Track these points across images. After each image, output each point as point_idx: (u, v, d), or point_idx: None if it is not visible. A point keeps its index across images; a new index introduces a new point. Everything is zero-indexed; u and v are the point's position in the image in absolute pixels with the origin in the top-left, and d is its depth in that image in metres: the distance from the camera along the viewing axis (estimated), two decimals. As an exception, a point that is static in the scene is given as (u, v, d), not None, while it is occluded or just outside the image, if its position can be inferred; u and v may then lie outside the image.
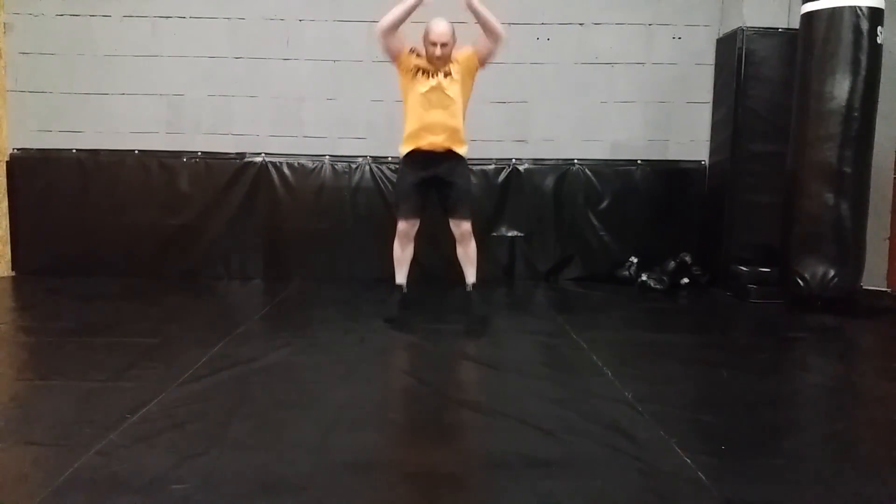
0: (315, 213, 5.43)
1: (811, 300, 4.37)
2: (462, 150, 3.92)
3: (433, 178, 3.90)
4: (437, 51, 3.67)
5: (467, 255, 3.99)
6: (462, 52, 3.82)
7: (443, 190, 3.94)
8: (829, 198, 4.25)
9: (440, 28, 3.68)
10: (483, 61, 3.86)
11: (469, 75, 3.86)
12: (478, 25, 3.81)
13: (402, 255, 4.04)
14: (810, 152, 4.32)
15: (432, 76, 3.76)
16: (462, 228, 3.91)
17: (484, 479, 2.06)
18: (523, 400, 2.75)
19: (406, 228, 3.93)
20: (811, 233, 4.33)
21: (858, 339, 3.99)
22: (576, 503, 1.90)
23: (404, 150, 3.92)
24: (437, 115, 3.78)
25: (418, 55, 3.79)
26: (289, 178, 5.42)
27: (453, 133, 3.84)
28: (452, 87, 3.78)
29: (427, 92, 3.75)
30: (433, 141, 3.82)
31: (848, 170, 4.23)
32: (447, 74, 3.77)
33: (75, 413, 2.49)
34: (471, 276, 4.03)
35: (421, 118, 3.80)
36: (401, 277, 4.08)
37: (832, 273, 4.27)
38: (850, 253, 4.31)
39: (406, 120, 3.91)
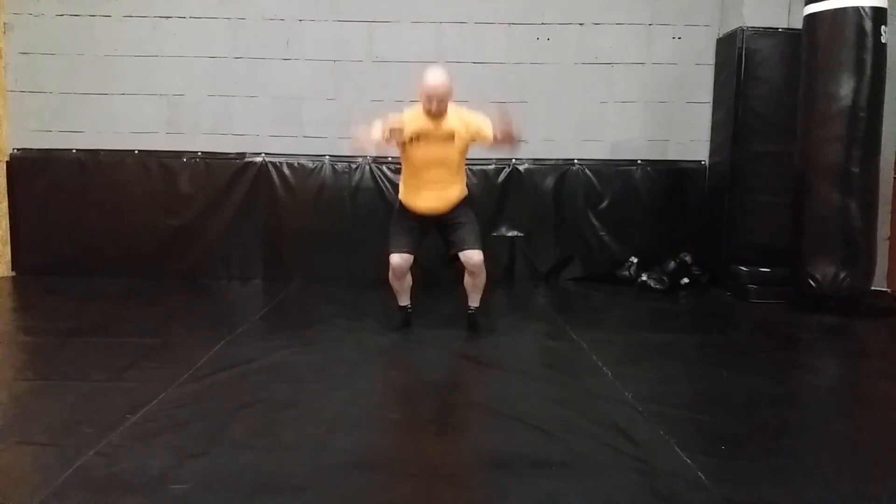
0: (315, 213, 5.43)
1: (823, 301, 4.36)
2: (462, 198, 3.70)
3: (434, 223, 3.71)
4: (434, 106, 3.44)
5: (475, 285, 3.72)
6: (473, 122, 3.55)
7: (447, 230, 3.70)
8: (838, 198, 4.24)
9: (436, 82, 3.41)
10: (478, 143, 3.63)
11: (469, 141, 3.61)
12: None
13: (402, 287, 3.78)
14: (817, 153, 4.32)
15: (431, 142, 3.53)
16: (474, 260, 3.58)
17: (484, 479, 2.06)
18: (523, 400, 2.75)
19: (399, 263, 3.60)
20: (821, 234, 4.33)
21: (858, 340, 3.99)
22: (576, 503, 1.90)
23: (402, 197, 3.72)
24: (435, 177, 3.59)
25: (411, 122, 3.51)
26: (289, 178, 5.42)
27: (451, 197, 3.64)
28: (451, 151, 3.56)
29: (424, 157, 3.56)
30: (431, 206, 3.64)
31: (856, 170, 4.22)
32: (446, 139, 3.54)
33: (75, 413, 2.49)
34: (475, 301, 3.82)
35: (418, 182, 3.63)
36: (404, 301, 3.87)
37: (844, 274, 4.27)
38: (861, 253, 4.30)
39: (403, 171, 3.72)
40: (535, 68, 5.45)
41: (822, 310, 4.34)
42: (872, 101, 4.20)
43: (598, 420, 2.48)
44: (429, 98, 3.44)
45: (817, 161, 4.32)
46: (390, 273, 3.67)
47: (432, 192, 3.62)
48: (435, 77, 3.44)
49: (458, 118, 3.56)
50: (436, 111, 3.47)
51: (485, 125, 3.54)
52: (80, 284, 4.96)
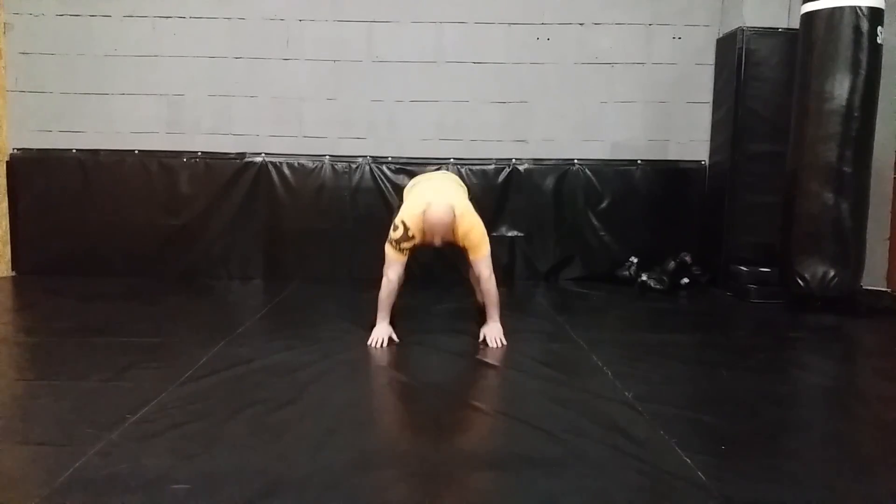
0: (315, 213, 5.43)
1: (811, 300, 4.37)
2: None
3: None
4: (437, 241, 3.42)
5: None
6: (469, 238, 3.49)
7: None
8: (829, 197, 4.25)
9: (439, 221, 3.35)
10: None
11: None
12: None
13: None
14: (810, 152, 4.32)
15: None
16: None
17: (484, 479, 2.06)
18: (523, 400, 2.75)
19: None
20: (811, 233, 4.33)
21: (858, 339, 3.99)
22: (576, 503, 1.90)
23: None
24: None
25: (413, 239, 3.49)
26: (289, 178, 5.43)
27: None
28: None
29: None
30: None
31: (848, 169, 4.23)
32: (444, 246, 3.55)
33: (75, 413, 2.49)
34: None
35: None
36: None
37: (832, 273, 4.27)
38: (850, 253, 4.30)
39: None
40: (535, 68, 5.45)
41: (812, 309, 4.35)
42: (867, 101, 4.20)
43: (598, 420, 2.47)
44: (431, 232, 3.40)
45: (810, 160, 4.32)
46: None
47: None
48: (439, 216, 3.36)
49: (456, 233, 3.47)
50: (438, 244, 3.45)
51: (478, 247, 3.51)
52: (80, 284, 4.96)
